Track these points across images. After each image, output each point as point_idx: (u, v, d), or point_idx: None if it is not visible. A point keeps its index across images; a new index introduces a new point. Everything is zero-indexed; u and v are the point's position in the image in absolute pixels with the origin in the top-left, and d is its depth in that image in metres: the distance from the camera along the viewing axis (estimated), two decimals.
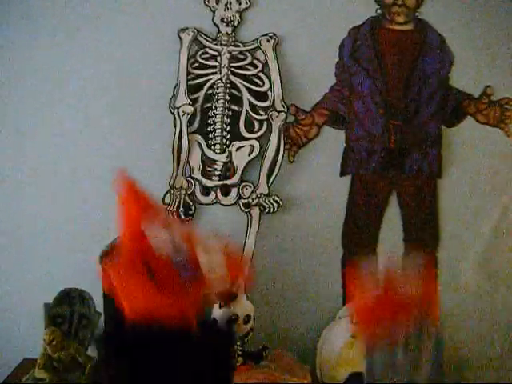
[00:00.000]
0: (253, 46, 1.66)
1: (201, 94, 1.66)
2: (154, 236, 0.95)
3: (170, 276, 0.92)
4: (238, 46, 1.66)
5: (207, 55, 1.66)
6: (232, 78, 1.65)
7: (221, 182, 1.67)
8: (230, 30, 1.66)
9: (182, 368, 0.89)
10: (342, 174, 1.72)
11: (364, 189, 1.73)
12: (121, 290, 0.92)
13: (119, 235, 0.94)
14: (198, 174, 1.67)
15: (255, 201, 1.67)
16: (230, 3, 1.65)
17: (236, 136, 1.67)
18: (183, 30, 1.65)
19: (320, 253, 1.74)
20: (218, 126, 1.66)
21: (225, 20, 1.65)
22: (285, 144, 1.67)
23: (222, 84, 1.65)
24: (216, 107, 1.66)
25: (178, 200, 1.67)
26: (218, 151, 1.67)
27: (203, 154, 1.67)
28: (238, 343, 1.59)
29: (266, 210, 1.67)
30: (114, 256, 0.94)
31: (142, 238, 0.94)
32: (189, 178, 1.67)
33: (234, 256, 1.10)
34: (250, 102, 1.66)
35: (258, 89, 1.66)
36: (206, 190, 1.68)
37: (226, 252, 1.05)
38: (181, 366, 0.88)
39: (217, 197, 1.68)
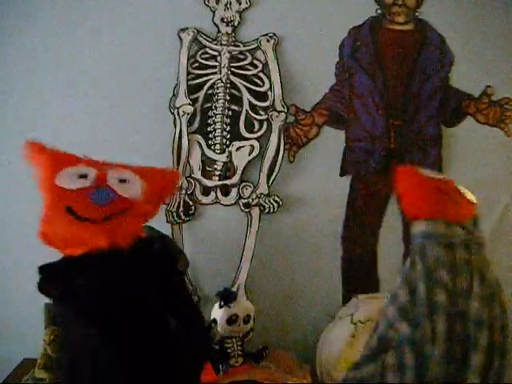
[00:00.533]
0: (253, 46, 1.66)
1: (201, 94, 1.66)
2: (69, 183, 1.04)
3: (91, 209, 1.01)
4: (238, 46, 1.66)
5: (207, 55, 1.66)
6: (232, 78, 1.65)
7: (221, 182, 1.68)
8: (230, 30, 1.66)
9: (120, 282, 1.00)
10: (342, 173, 1.72)
11: (364, 189, 1.73)
12: (56, 238, 1.02)
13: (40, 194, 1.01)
14: (197, 174, 1.67)
15: (255, 201, 1.67)
16: (230, 3, 1.65)
17: (236, 136, 1.67)
18: (183, 29, 1.65)
19: (320, 253, 1.75)
20: (218, 125, 1.66)
21: (225, 20, 1.65)
22: (285, 144, 1.67)
23: (222, 84, 1.65)
24: (216, 107, 1.66)
25: (177, 200, 1.67)
26: (218, 151, 1.67)
27: (203, 153, 1.67)
28: (239, 343, 1.59)
29: (266, 210, 1.67)
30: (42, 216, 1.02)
31: (57, 188, 1.03)
32: (189, 178, 1.67)
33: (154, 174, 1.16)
34: (250, 102, 1.66)
35: (258, 89, 1.66)
36: (206, 190, 1.68)
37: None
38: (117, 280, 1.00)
39: (217, 197, 1.68)
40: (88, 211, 1.01)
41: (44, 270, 1.05)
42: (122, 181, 1.10)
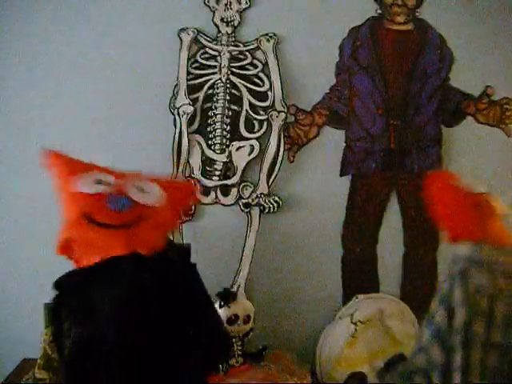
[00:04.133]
0: (253, 46, 1.66)
1: (201, 94, 1.66)
2: (86, 188, 1.05)
3: (110, 215, 1.01)
4: (238, 46, 1.66)
5: (207, 55, 1.66)
6: (232, 77, 1.65)
7: (221, 182, 1.67)
8: (230, 30, 1.66)
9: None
10: (342, 174, 1.72)
11: (364, 189, 1.73)
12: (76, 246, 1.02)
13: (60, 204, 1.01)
14: (198, 174, 1.67)
15: (255, 201, 1.67)
16: (230, 3, 1.65)
17: (236, 136, 1.67)
18: (183, 29, 1.65)
19: (320, 253, 1.74)
20: (218, 125, 1.66)
21: (225, 20, 1.65)
22: (285, 144, 1.67)
23: (222, 84, 1.65)
24: (216, 107, 1.66)
25: None
26: (218, 151, 1.67)
27: (203, 153, 1.67)
28: (238, 343, 1.59)
29: (266, 210, 1.67)
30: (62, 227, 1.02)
31: (76, 196, 1.04)
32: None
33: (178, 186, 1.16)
34: (250, 101, 1.66)
35: (258, 89, 1.66)
36: (206, 190, 1.68)
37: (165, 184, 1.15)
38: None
39: (217, 197, 1.68)
40: (106, 217, 1.01)
41: (59, 285, 1.04)
42: (141, 190, 1.09)
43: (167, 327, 1.00)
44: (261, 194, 1.67)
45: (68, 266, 1.70)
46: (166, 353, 0.99)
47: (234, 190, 1.68)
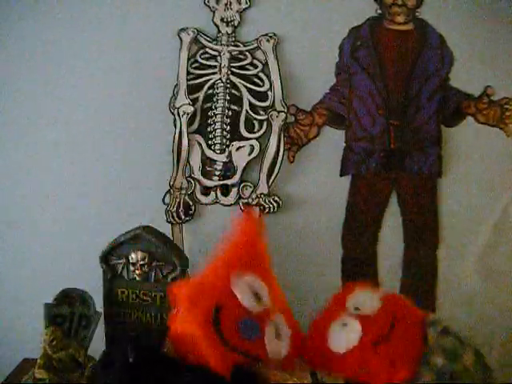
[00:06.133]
0: (253, 46, 1.66)
1: (201, 94, 1.66)
2: (241, 293, 0.97)
3: (236, 337, 0.95)
4: (238, 46, 1.66)
5: (207, 55, 1.66)
6: (232, 77, 1.65)
7: (221, 182, 1.68)
8: (230, 30, 1.66)
9: None
10: (342, 174, 1.72)
11: (364, 189, 1.73)
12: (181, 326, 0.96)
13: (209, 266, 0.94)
14: (198, 174, 1.67)
15: (255, 201, 1.67)
16: (230, 3, 1.65)
17: (236, 136, 1.67)
18: (183, 29, 1.65)
19: (320, 253, 1.74)
20: (218, 125, 1.66)
21: (225, 20, 1.65)
22: (285, 144, 1.67)
23: (222, 84, 1.65)
24: (216, 107, 1.66)
25: (177, 200, 1.67)
26: (218, 151, 1.67)
27: (203, 153, 1.67)
28: None
29: (266, 210, 1.67)
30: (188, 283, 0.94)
31: (227, 280, 0.96)
32: (189, 178, 1.67)
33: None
34: (250, 101, 1.66)
35: (258, 89, 1.66)
36: (206, 190, 1.68)
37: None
38: None
39: (217, 197, 1.68)
40: (232, 337, 0.95)
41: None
42: (278, 335, 1.02)
43: None
44: (261, 193, 1.67)
45: (68, 265, 1.71)
46: None
47: (234, 190, 1.68)
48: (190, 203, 1.68)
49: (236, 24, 1.66)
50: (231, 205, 1.68)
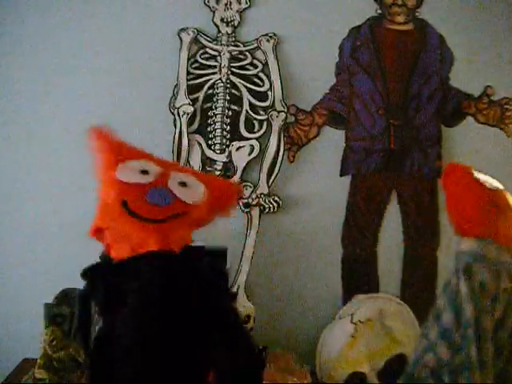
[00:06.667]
0: (253, 46, 1.66)
1: (201, 94, 1.66)
2: (129, 176, 1.00)
3: (146, 208, 0.97)
4: (238, 46, 1.66)
5: (207, 55, 1.66)
6: (232, 77, 1.65)
7: None
8: (230, 30, 1.66)
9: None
10: (342, 174, 1.72)
11: (364, 189, 1.73)
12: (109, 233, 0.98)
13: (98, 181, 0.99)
14: None
15: (255, 201, 1.67)
16: (230, 3, 1.65)
17: (236, 136, 1.67)
18: (183, 29, 1.65)
19: (320, 253, 1.74)
20: (218, 125, 1.66)
21: (225, 20, 1.65)
22: (285, 144, 1.67)
23: (222, 84, 1.65)
24: (216, 107, 1.66)
25: None
26: (218, 151, 1.67)
27: (203, 153, 1.67)
28: None
29: (266, 210, 1.67)
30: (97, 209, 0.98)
31: (116, 181, 0.99)
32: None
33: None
34: (250, 101, 1.66)
35: (258, 89, 1.66)
36: None
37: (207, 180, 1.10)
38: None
39: None
40: (144, 210, 0.97)
41: (89, 272, 1.02)
42: (183, 184, 1.04)
43: (189, 331, 0.98)
44: (261, 193, 1.67)
45: (68, 265, 1.70)
46: (187, 355, 0.98)
47: None
48: None
49: (236, 24, 1.66)
50: None
